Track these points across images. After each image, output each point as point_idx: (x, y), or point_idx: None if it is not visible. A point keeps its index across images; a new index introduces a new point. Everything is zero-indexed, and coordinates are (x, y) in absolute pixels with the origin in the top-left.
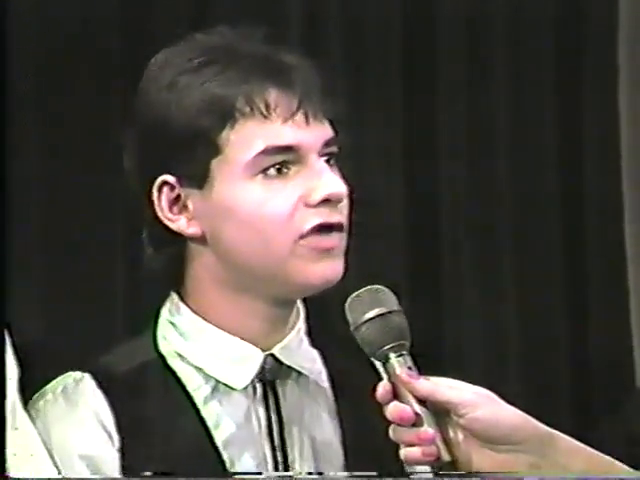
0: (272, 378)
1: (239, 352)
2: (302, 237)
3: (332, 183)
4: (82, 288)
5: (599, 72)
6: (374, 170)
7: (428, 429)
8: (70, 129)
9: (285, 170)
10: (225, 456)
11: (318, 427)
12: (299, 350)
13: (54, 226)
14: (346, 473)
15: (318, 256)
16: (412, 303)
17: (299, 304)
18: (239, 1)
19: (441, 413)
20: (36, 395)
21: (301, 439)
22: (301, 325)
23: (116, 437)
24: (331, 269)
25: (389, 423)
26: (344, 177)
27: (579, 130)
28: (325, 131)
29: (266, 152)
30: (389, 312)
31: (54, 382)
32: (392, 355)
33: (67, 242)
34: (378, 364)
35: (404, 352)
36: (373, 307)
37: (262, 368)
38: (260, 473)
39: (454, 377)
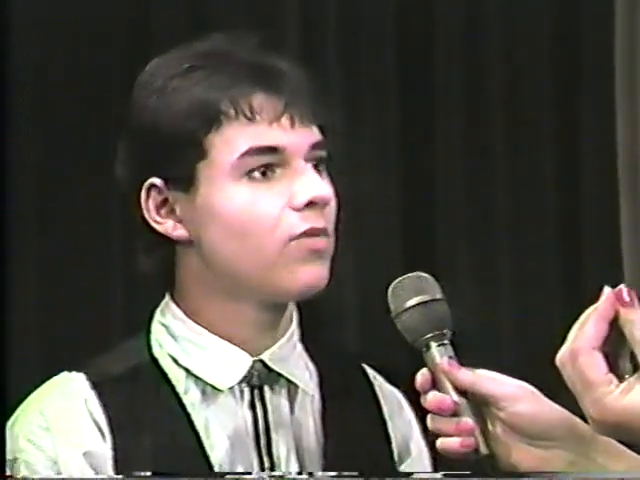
0: (260, 383)
1: (228, 356)
2: (292, 239)
3: (317, 186)
4: (79, 291)
5: (596, 72)
6: (370, 172)
7: (468, 419)
8: (69, 129)
9: (270, 173)
10: (213, 460)
11: (304, 435)
12: (290, 356)
13: (53, 227)
14: (334, 473)
15: (306, 258)
16: None
17: (292, 308)
18: (237, 5)
19: (481, 405)
20: (33, 395)
21: (287, 446)
22: (294, 330)
23: (109, 437)
24: (317, 274)
25: (375, 430)
26: (333, 182)
27: (576, 131)
28: (312, 135)
29: (250, 153)
30: (431, 300)
31: (49, 382)
32: (433, 344)
33: (65, 243)
34: (369, 370)
35: (445, 341)
36: (415, 294)
37: (250, 373)
38: (250, 473)
39: None
